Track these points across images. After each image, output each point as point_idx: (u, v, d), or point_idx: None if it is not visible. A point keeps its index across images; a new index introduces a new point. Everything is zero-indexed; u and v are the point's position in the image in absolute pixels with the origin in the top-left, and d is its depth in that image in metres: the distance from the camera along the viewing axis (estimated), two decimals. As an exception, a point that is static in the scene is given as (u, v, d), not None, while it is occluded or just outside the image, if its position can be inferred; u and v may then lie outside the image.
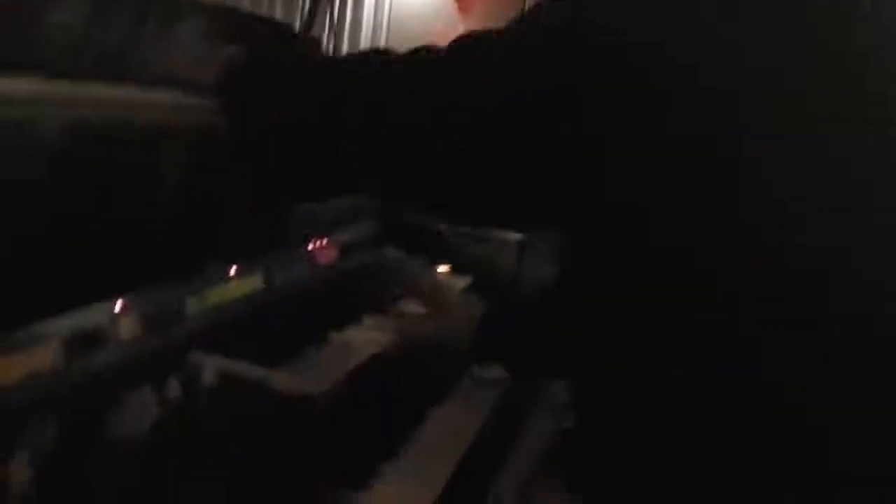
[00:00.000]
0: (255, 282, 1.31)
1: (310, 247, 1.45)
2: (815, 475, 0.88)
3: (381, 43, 4.01)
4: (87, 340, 1.06)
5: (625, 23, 0.93)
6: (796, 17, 0.91)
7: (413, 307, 1.48)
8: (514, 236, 1.71)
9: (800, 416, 0.87)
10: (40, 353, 1.00)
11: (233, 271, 1.28)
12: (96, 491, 0.96)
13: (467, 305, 1.35)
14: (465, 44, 1.06)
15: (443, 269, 1.67)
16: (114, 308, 1.10)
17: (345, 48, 3.91)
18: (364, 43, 4.02)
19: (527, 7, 1.06)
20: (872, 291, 0.87)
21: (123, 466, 1.01)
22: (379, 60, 1.14)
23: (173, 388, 1.12)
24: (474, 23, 3.50)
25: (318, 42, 1.94)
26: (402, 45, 1.16)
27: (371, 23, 4.11)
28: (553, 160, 0.98)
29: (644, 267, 0.94)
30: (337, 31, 3.79)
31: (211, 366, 1.16)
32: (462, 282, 1.59)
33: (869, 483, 0.87)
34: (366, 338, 1.35)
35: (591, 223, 0.98)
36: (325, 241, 1.48)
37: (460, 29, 1.25)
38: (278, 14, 3.55)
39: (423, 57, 1.10)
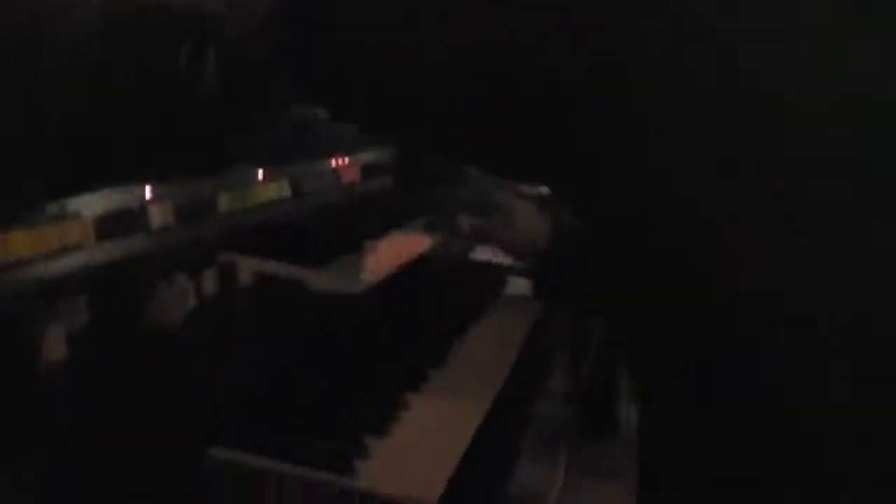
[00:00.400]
0: (282, 188, 1.25)
1: (333, 163, 1.39)
2: (815, 475, 0.87)
3: None
4: (119, 223, 0.99)
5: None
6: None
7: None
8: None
9: (800, 417, 0.86)
10: (71, 229, 0.93)
11: (260, 175, 1.22)
12: (126, 374, 0.89)
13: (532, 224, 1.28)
14: None
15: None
16: (144, 194, 1.04)
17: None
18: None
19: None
20: (873, 291, 0.86)
21: (154, 353, 0.95)
22: None
23: (208, 280, 1.05)
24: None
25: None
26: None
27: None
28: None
29: (644, 266, 0.94)
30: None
31: (246, 264, 1.10)
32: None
33: (869, 483, 0.86)
34: (404, 245, 1.29)
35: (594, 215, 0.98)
36: (346, 161, 1.43)
37: None
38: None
39: None
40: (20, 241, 0.87)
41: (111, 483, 0.72)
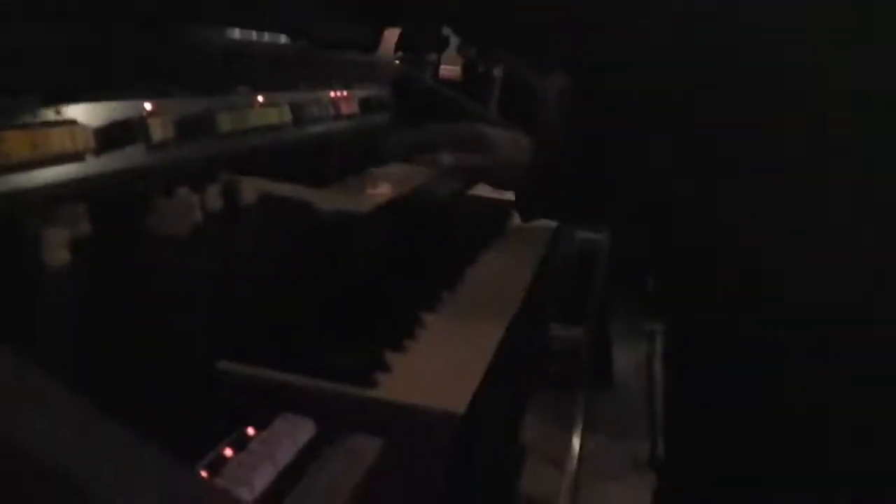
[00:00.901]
0: (282, 114, 1.21)
1: (332, 94, 1.35)
2: (814, 475, 0.87)
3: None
4: (119, 133, 0.95)
5: None
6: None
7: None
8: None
9: (800, 416, 0.86)
10: (70, 135, 0.89)
11: (260, 98, 1.18)
12: (131, 286, 0.85)
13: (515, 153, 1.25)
14: None
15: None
16: (143, 108, 1.00)
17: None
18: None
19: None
20: (873, 291, 0.85)
21: (162, 265, 0.91)
22: None
23: (212, 196, 1.01)
24: None
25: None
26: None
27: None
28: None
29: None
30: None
31: (249, 184, 1.06)
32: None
33: (870, 483, 0.85)
34: (408, 171, 1.25)
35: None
36: (345, 93, 1.39)
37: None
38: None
39: None
40: (18, 141, 0.83)
41: (115, 400, 0.68)
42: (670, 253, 0.95)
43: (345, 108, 1.38)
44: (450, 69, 3.08)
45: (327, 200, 1.06)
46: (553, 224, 1.37)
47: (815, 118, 0.84)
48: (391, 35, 2.56)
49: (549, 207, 1.24)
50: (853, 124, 0.84)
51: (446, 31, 1.53)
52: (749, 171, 0.86)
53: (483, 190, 1.41)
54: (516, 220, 1.30)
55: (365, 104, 1.48)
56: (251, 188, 1.06)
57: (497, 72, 3.15)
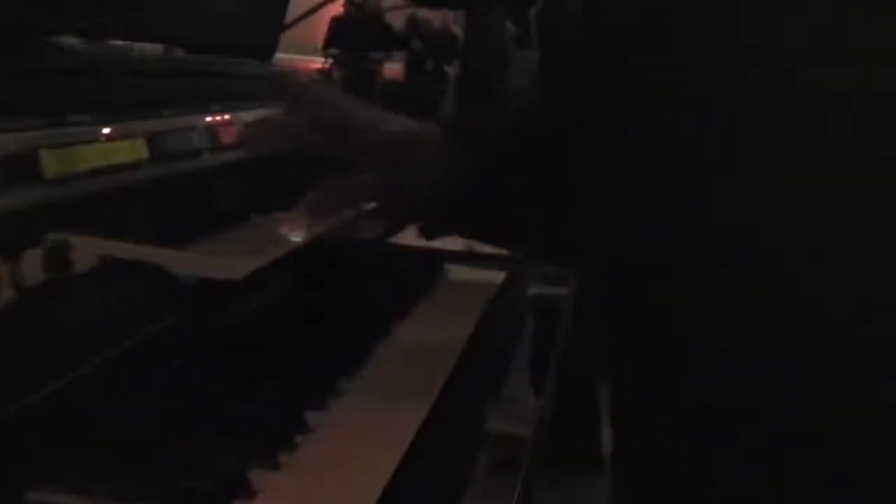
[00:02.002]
0: (136, 149, 1.04)
1: (208, 119, 1.19)
2: (815, 475, 0.88)
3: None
4: None
5: None
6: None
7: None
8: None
9: (800, 416, 0.88)
10: None
11: (106, 130, 1.01)
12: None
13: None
14: None
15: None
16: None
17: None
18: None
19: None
20: (875, 292, 0.87)
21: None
22: None
23: (31, 266, 0.85)
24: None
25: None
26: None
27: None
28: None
29: (645, 264, 0.93)
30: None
31: (85, 246, 0.90)
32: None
33: (870, 483, 0.88)
34: (299, 222, 1.09)
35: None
36: (226, 117, 1.22)
37: None
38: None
39: None
40: None
41: None
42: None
43: (226, 137, 1.19)
44: (393, 68, 3.00)
45: (191, 264, 0.90)
46: (497, 278, 1.26)
47: (816, 118, 0.86)
48: (314, 28, 2.40)
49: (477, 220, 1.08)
50: (853, 124, 0.86)
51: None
52: (747, 171, 0.87)
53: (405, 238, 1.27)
54: (449, 273, 1.17)
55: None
56: (87, 252, 0.87)
57: (451, 69, 3.05)
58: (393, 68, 2.98)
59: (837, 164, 0.86)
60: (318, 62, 2.54)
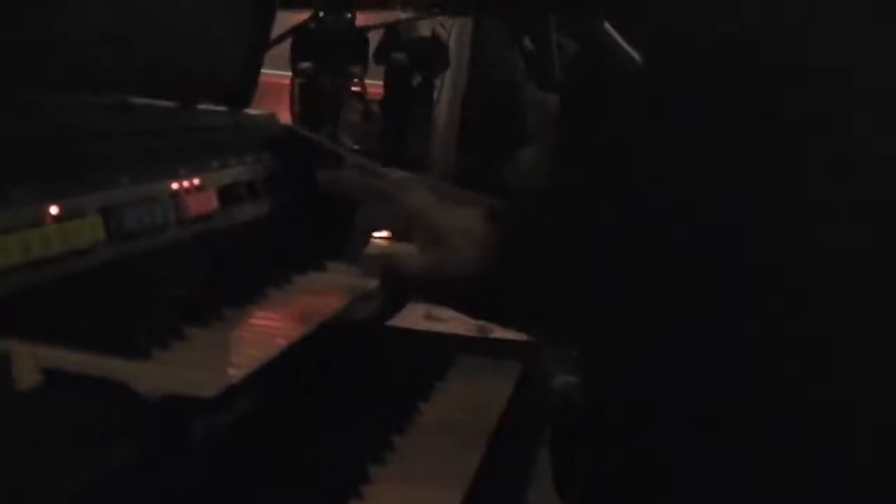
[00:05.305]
0: (90, 229, 0.97)
1: (173, 185, 1.11)
2: (814, 475, 0.96)
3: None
4: None
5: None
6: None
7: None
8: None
9: (800, 416, 0.96)
10: None
11: (53, 210, 0.93)
12: None
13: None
14: None
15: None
16: None
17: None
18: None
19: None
20: (873, 291, 0.95)
21: None
22: None
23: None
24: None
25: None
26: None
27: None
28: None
29: (644, 264, 1.03)
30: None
31: (26, 356, 0.82)
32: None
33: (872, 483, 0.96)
34: (291, 310, 1.02)
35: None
36: (196, 181, 1.14)
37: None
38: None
39: None
40: None
41: None
42: None
43: (195, 206, 1.12)
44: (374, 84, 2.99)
45: (152, 379, 0.82)
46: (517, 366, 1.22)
47: (816, 118, 0.97)
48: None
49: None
50: (853, 124, 0.96)
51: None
52: (748, 171, 0.98)
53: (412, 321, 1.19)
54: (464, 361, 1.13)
55: (228, 194, 1.22)
56: (29, 363, 0.82)
57: (438, 81, 3.02)
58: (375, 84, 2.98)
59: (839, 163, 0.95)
60: (287, 77, 2.49)
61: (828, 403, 0.96)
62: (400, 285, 1.22)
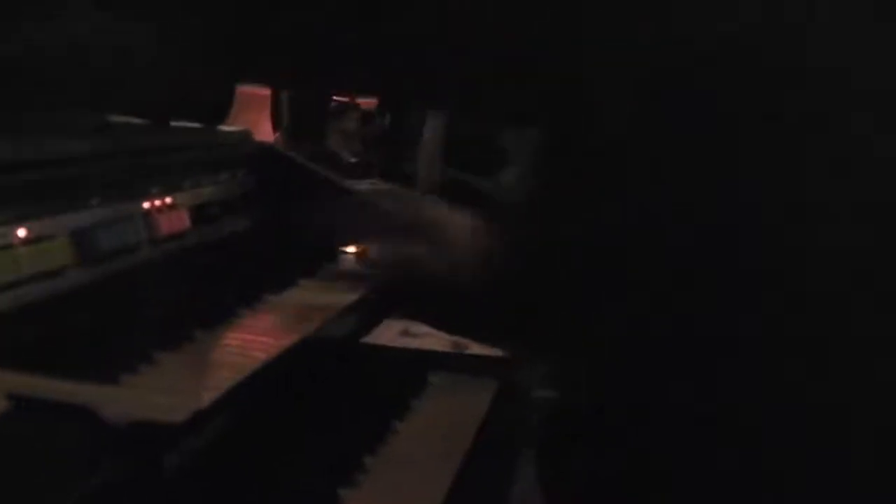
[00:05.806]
0: (59, 251, 0.96)
1: (145, 205, 1.10)
2: (814, 475, 0.98)
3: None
4: None
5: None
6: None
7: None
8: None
9: (800, 416, 0.99)
10: None
11: (21, 232, 0.93)
12: None
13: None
14: None
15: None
16: None
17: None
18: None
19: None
20: (873, 291, 0.98)
21: None
22: None
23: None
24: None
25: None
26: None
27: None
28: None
29: (643, 264, 1.05)
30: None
31: None
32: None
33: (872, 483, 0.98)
34: (267, 330, 1.03)
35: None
36: (168, 200, 1.14)
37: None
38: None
39: None
40: None
41: None
42: None
43: (166, 226, 1.12)
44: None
45: (119, 403, 0.81)
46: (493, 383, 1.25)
47: (816, 118, 0.99)
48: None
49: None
50: (853, 124, 0.98)
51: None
52: (748, 171, 1.00)
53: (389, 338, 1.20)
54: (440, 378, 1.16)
55: (201, 213, 1.21)
56: None
57: (428, 130, 2.99)
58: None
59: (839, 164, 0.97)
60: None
61: (828, 403, 0.97)
62: (401, 290, 1.25)
